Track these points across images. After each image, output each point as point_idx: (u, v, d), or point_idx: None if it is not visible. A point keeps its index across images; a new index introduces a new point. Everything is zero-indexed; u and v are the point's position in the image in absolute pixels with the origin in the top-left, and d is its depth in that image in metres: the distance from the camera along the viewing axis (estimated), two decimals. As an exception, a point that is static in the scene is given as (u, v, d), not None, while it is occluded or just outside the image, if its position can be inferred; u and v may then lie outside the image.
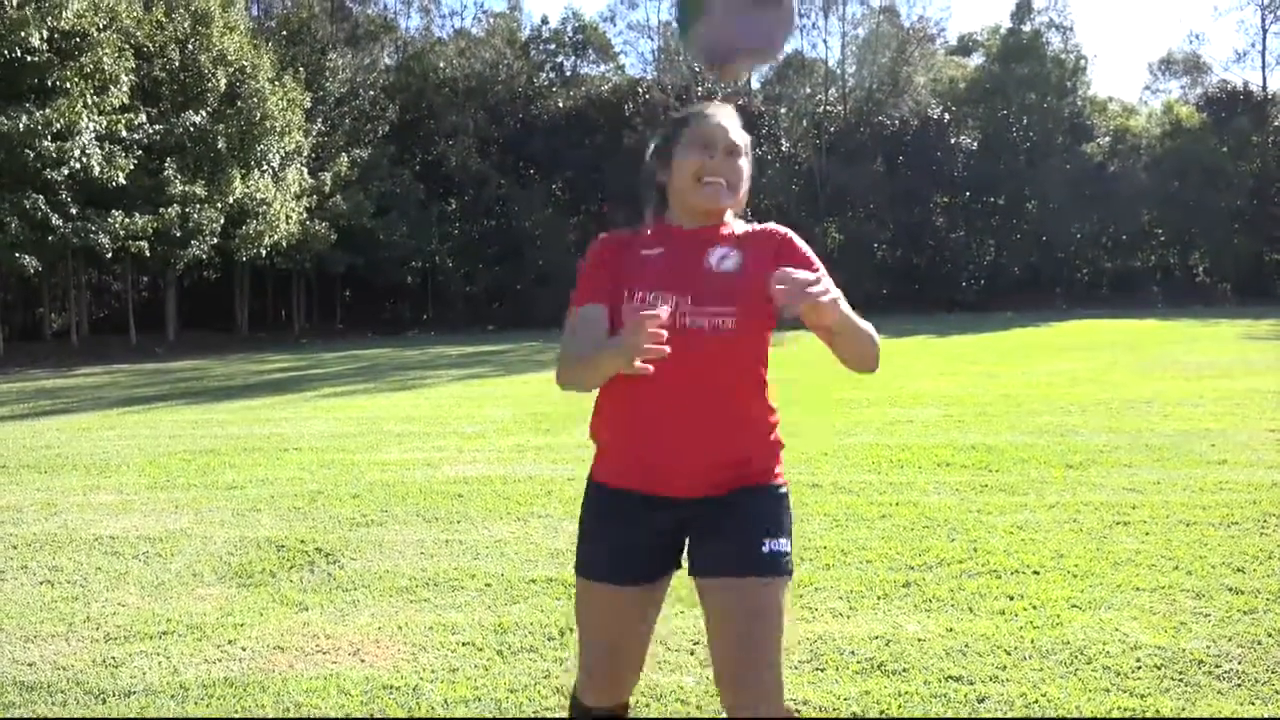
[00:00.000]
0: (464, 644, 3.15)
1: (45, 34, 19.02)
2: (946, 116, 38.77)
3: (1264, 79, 39.57)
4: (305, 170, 27.65)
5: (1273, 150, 37.66)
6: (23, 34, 18.34)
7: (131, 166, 21.11)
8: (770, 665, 1.92)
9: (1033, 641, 3.03)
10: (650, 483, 1.98)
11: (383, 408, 9.99)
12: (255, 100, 24.63)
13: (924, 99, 39.42)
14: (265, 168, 25.43)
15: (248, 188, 24.31)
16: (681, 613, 3.38)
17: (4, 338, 23.09)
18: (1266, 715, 2.55)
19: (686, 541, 2.03)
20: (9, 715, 2.74)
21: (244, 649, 3.16)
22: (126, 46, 21.64)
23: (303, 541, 4.44)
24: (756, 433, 2.01)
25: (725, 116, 2.02)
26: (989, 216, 38.88)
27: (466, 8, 64.40)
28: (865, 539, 4.22)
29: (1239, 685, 2.70)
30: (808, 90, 39.09)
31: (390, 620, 3.39)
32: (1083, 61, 39.33)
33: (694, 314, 1.93)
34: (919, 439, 6.68)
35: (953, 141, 38.37)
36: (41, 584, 3.93)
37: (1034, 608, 3.32)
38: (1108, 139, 39.61)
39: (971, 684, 2.75)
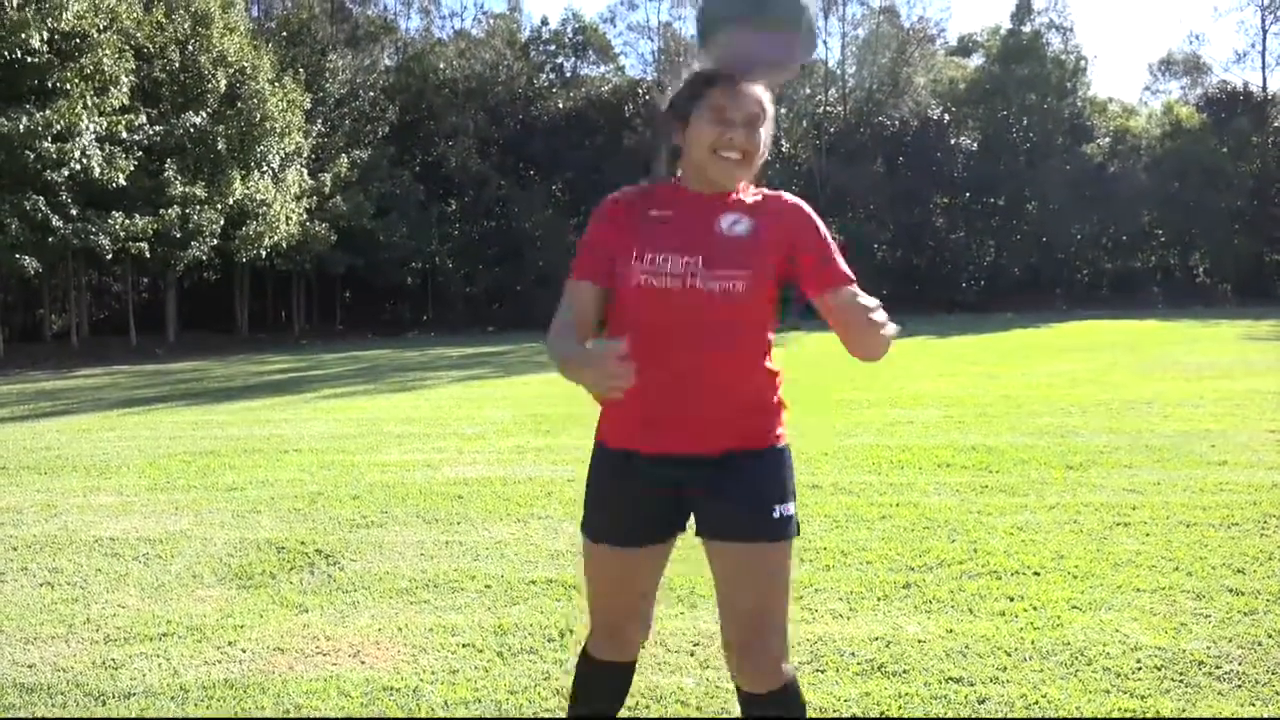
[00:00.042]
0: (464, 645, 3.15)
1: (45, 35, 19.02)
2: (946, 117, 38.78)
3: (1264, 79, 39.60)
4: (305, 171, 27.65)
5: (1273, 151, 37.66)
6: (23, 35, 18.34)
7: (132, 168, 21.10)
8: (777, 629, 1.97)
9: (1033, 643, 3.03)
10: (655, 443, 1.97)
11: (383, 409, 9.99)
12: (255, 101, 24.64)
13: (924, 100, 39.42)
14: (265, 169, 25.44)
15: (248, 189, 24.31)
16: (681, 613, 3.38)
17: (4, 339, 23.09)
18: (1267, 716, 2.55)
19: (691, 500, 2.02)
20: (9, 717, 2.74)
21: (244, 650, 3.16)
22: (127, 48, 21.65)
23: (303, 543, 4.44)
24: (761, 394, 2.01)
25: (745, 81, 1.95)
26: (989, 217, 38.87)
27: (466, 9, 64.52)
28: (865, 540, 4.22)
29: (1239, 686, 2.70)
30: (807, 91, 39.05)
31: (390, 622, 3.39)
32: (1083, 62, 39.34)
33: (705, 276, 1.92)
34: (919, 440, 6.68)
35: (953, 142, 38.38)
36: (41, 586, 3.93)
37: (1034, 609, 3.32)
38: (1108, 140, 39.61)
39: (972, 685, 2.75)
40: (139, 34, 22.77)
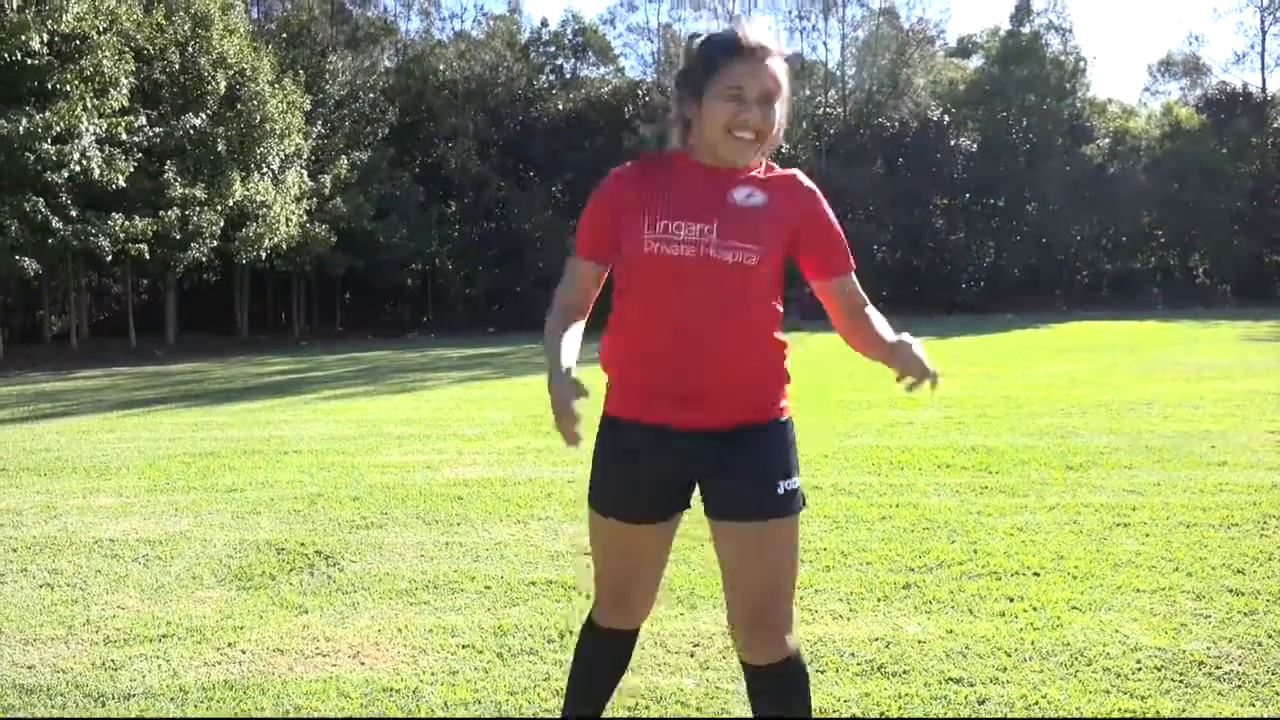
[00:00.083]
0: (464, 646, 3.15)
1: (45, 37, 19.02)
2: (946, 118, 38.79)
3: (1263, 80, 39.64)
4: (305, 173, 27.65)
5: (1272, 152, 37.68)
6: (23, 37, 18.35)
7: (131, 169, 21.10)
8: (784, 603, 1.97)
9: (1033, 643, 3.03)
10: (661, 416, 1.96)
11: (383, 410, 9.99)
12: (255, 103, 24.64)
13: (924, 101, 39.44)
14: (265, 170, 25.44)
15: (247, 190, 24.31)
16: (681, 614, 3.38)
17: (4, 340, 23.09)
18: (1267, 716, 2.55)
19: (697, 477, 2.01)
20: (9, 718, 2.74)
21: (244, 652, 3.16)
22: (126, 49, 21.64)
23: (302, 544, 4.44)
24: (770, 365, 2.00)
25: (762, 56, 1.90)
26: (989, 218, 38.89)
27: (466, 10, 64.59)
28: (865, 541, 4.22)
29: (1239, 687, 2.70)
30: (807, 92, 39.08)
31: (390, 623, 3.39)
32: (1082, 63, 39.35)
33: (718, 246, 1.90)
34: (919, 441, 6.68)
35: (952, 143, 38.39)
36: (41, 587, 3.93)
37: (1034, 609, 3.32)
38: (1107, 141, 39.63)
39: (972, 686, 2.75)
40: (139, 36, 22.77)
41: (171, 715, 2.73)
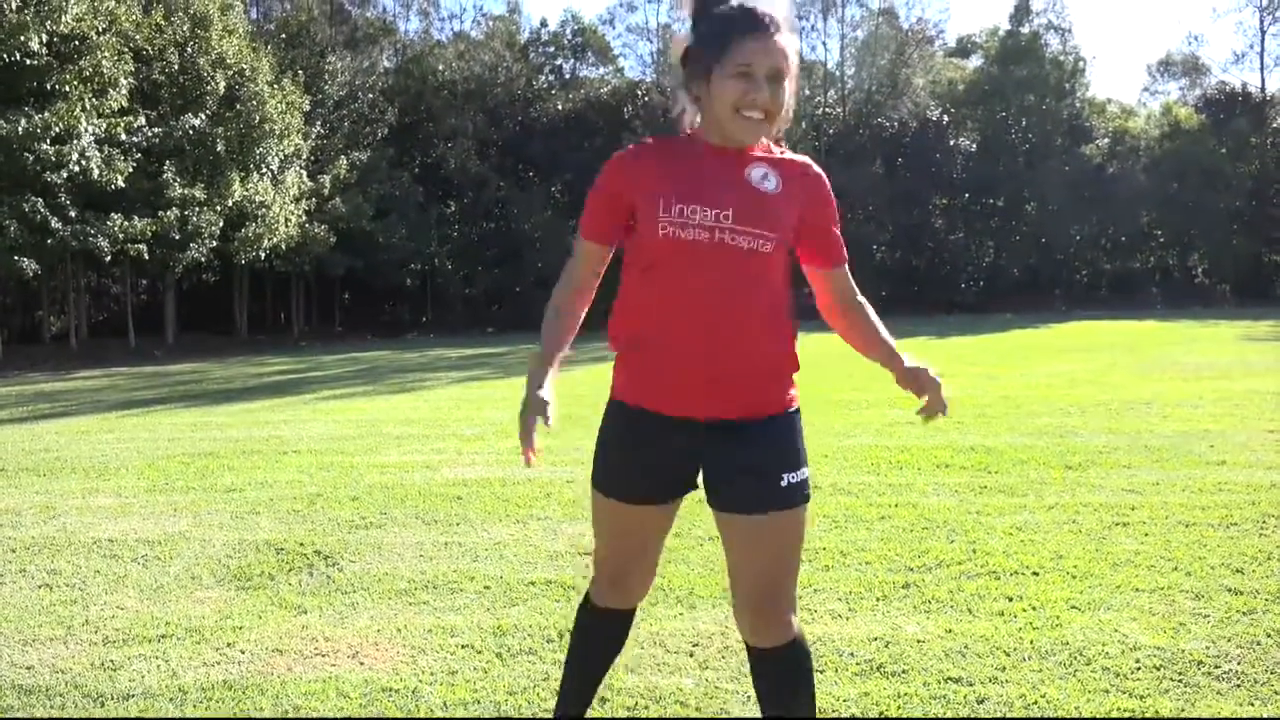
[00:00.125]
0: (463, 646, 3.15)
1: (44, 37, 19.03)
2: (945, 118, 38.82)
3: (1262, 80, 39.66)
4: (304, 173, 27.66)
5: (1271, 151, 37.70)
6: (22, 38, 18.35)
7: (130, 169, 21.11)
8: (788, 592, 1.99)
9: (1032, 643, 3.03)
10: (671, 403, 1.95)
11: (382, 410, 9.99)
12: (254, 103, 24.65)
13: (923, 101, 39.46)
14: (264, 171, 25.45)
15: (247, 191, 24.32)
16: (680, 614, 3.38)
17: (3, 341, 23.09)
18: (1266, 716, 2.55)
19: (702, 467, 2.01)
20: (8, 718, 2.74)
21: (243, 652, 3.16)
22: (125, 50, 21.65)
23: (301, 544, 4.44)
24: (781, 355, 1.99)
25: (773, 31, 1.87)
26: (988, 218, 38.92)
27: (465, 10, 64.59)
28: (864, 540, 4.22)
29: (1238, 686, 2.70)
30: (806, 92, 39.08)
31: (389, 623, 3.39)
32: (1081, 63, 39.39)
33: (733, 231, 1.87)
34: (918, 440, 6.68)
35: (952, 143, 38.42)
36: (40, 587, 3.93)
37: (1033, 609, 3.32)
38: (1106, 140, 39.66)
39: (971, 685, 2.75)
40: (138, 36, 22.78)
41: (170, 715, 2.73)
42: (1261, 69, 40.18)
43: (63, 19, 19.44)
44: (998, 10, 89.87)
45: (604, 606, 2.21)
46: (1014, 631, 3.13)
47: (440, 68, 37.27)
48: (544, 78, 39.09)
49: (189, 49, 24.09)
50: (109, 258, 22.11)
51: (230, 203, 23.80)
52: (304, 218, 27.00)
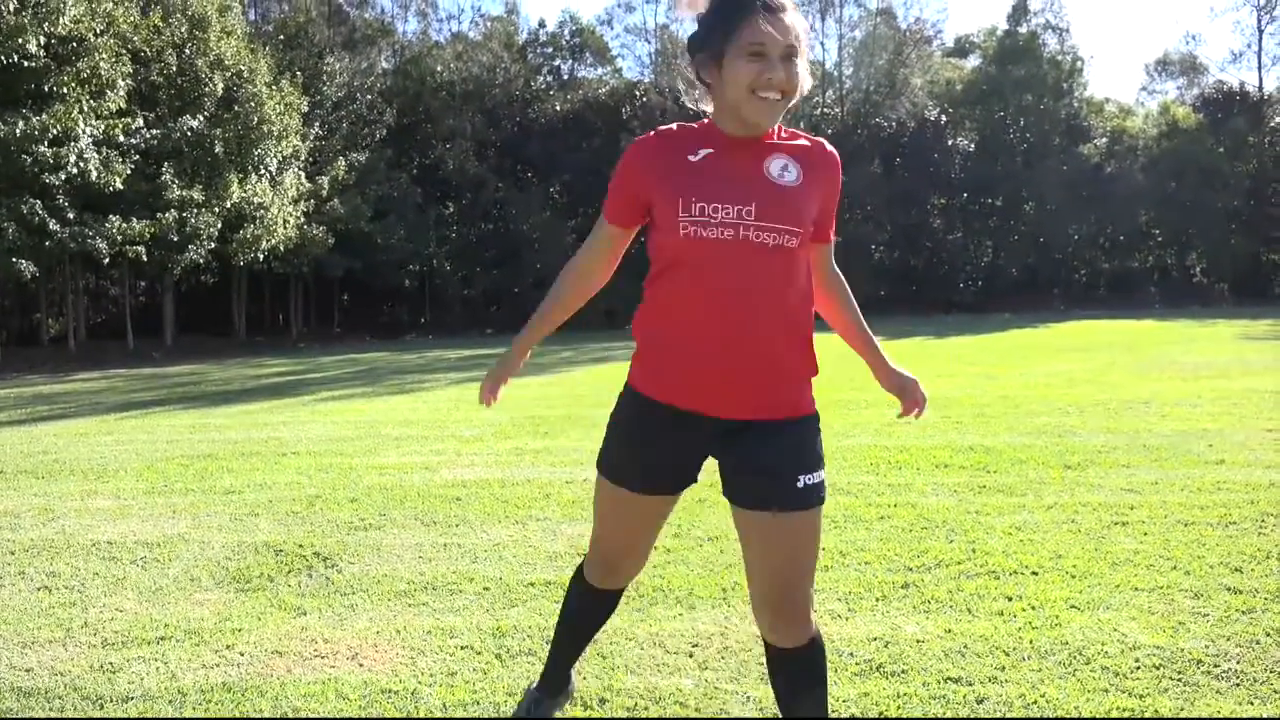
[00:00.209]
0: (462, 648, 3.15)
1: (42, 40, 19.02)
2: (943, 118, 38.86)
3: (1260, 79, 39.73)
4: (302, 174, 27.66)
5: (1269, 150, 37.74)
6: (20, 40, 18.34)
7: (129, 171, 21.10)
8: (805, 587, 1.99)
9: (1031, 642, 3.03)
10: (689, 399, 1.94)
11: (381, 411, 9.98)
12: (252, 104, 24.65)
13: (921, 101, 39.49)
14: (263, 172, 25.45)
15: (245, 192, 24.31)
16: (680, 614, 3.38)
17: (1, 343, 23.08)
18: (1265, 715, 2.55)
19: (719, 465, 2.02)
20: None
21: (242, 654, 3.16)
22: (123, 51, 21.65)
23: (300, 546, 4.43)
24: (803, 355, 1.97)
25: (782, 10, 1.84)
26: (986, 218, 38.95)
27: (464, 11, 64.59)
28: (863, 540, 4.22)
29: (1237, 685, 2.71)
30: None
31: (388, 624, 3.39)
32: (1079, 63, 39.43)
33: (758, 229, 1.84)
34: (917, 440, 6.68)
35: (950, 143, 38.45)
36: (39, 589, 3.92)
37: (1032, 608, 3.32)
38: (1104, 140, 39.70)
39: (970, 685, 2.75)
40: (136, 38, 22.77)
41: (170, 717, 2.73)
42: (1259, 68, 40.40)
43: (60, 21, 19.43)
44: (995, 10, 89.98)
45: (596, 587, 2.29)
46: (1013, 631, 3.13)
47: (438, 69, 37.28)
48: (542, 78, 39.11)
49: (187, 50, 24.08)
50: (107, 260, 22.10)
51: (228, 204, 23.80)
52: (302, 219, 27.00)
